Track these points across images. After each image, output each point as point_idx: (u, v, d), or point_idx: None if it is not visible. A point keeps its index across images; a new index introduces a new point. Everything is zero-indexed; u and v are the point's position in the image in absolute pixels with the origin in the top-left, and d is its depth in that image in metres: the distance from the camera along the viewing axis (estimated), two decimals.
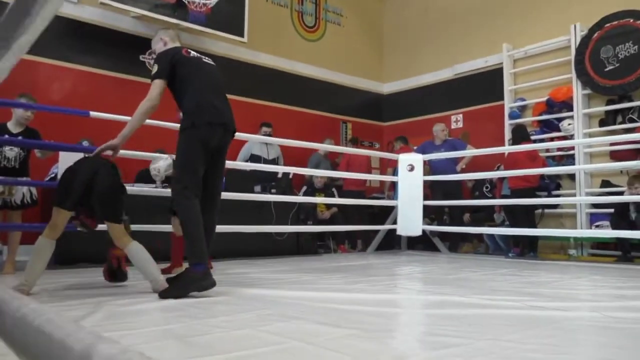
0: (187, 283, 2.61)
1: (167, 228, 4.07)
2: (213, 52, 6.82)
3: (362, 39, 9.09)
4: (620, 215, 5.39)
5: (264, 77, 7.56)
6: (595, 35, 6.28)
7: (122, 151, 4.41)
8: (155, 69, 2.94)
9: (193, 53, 3.10)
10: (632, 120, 6.05)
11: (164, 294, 2.58)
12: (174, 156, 3.24)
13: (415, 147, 7.16)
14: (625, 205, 5.36)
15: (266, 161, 6.50)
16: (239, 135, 5.01)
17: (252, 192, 5.60)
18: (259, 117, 6.87)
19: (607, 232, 5.49)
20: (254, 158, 6.55)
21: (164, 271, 3.16)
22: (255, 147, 6.64)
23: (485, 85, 7.61)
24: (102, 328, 1.78)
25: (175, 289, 2.61)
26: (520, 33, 7.23)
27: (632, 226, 5.14)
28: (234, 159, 6.35)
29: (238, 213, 5.02)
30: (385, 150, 8.43)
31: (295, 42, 8.14)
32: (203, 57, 3.18)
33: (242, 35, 6.78)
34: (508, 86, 7.28)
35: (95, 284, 3.09)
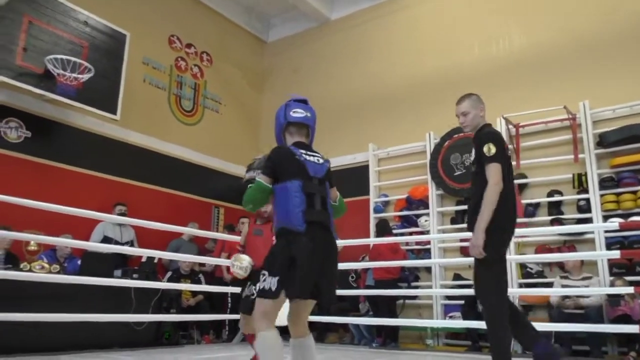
0: None
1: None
2: (80, 126, 6.50)
3: (239, 127, 9.29)
4: (470, 307, 5.84)
5: (134, 156, 7.25)
6: (446, 143, 7.12)
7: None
8: (492, 149, 2.88)
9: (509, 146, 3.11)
10: None
11: None
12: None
13: None
14: (473, 298, 5.82)
15: (119, 244, 6.11)
16: (91, 214, 4.67)
17: (112, 276, 5.20)
18: (118, 196, 6.49)
19: (458, 323, 5.89)
20: (106, 241, 6.12)
21: None
22: (107, 229, 6.20)
23: (353, 180, 8.07)
24: None
25: None
26: (384, 135, 7.95)
27: (480, 317, 5.54)
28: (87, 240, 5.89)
29: (91, 299, 4.60)
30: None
31: (171, 124, 8.06)
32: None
33: (114, 113, 6.54)
34: (373, 182, 7.84)
35: None
